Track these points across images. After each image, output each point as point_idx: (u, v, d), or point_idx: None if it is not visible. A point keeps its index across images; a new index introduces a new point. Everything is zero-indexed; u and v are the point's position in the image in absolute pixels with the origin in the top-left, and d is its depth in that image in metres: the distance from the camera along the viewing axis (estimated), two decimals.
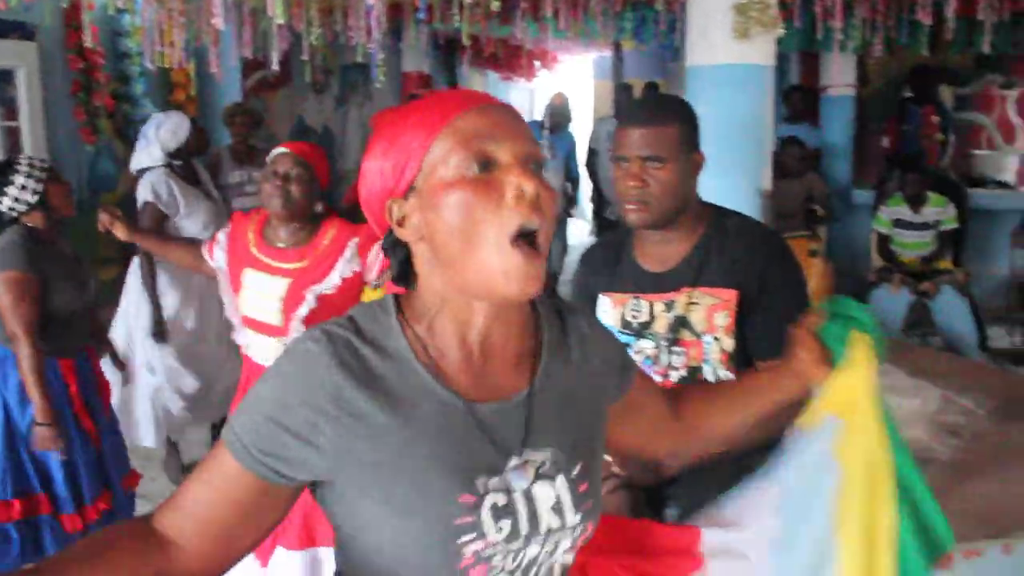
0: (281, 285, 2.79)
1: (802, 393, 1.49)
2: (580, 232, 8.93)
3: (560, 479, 1.16)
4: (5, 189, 3.11)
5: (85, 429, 3.30)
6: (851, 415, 1.45)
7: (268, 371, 1.13)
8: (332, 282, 2.78)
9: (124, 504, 3.47)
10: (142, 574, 1.06)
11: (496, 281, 1.07)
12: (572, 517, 1.16)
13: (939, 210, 5.82)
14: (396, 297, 1.18)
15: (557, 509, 1.15)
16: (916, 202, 5.82)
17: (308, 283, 2.77)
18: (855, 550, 1.41)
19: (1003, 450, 2.79)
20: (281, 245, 2.84)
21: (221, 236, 2.96)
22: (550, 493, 1.15)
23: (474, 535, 1.08)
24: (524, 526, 1.12)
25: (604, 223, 7.60)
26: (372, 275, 2.84)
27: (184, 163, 4.36)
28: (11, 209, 3.12)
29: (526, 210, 1.06)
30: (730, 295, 2.04)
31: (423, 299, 1.16)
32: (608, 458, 2.02)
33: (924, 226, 5.85)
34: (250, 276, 2.84)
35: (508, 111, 1.14)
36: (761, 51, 2.99)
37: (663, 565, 1.46)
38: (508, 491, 1.12)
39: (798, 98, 7.49)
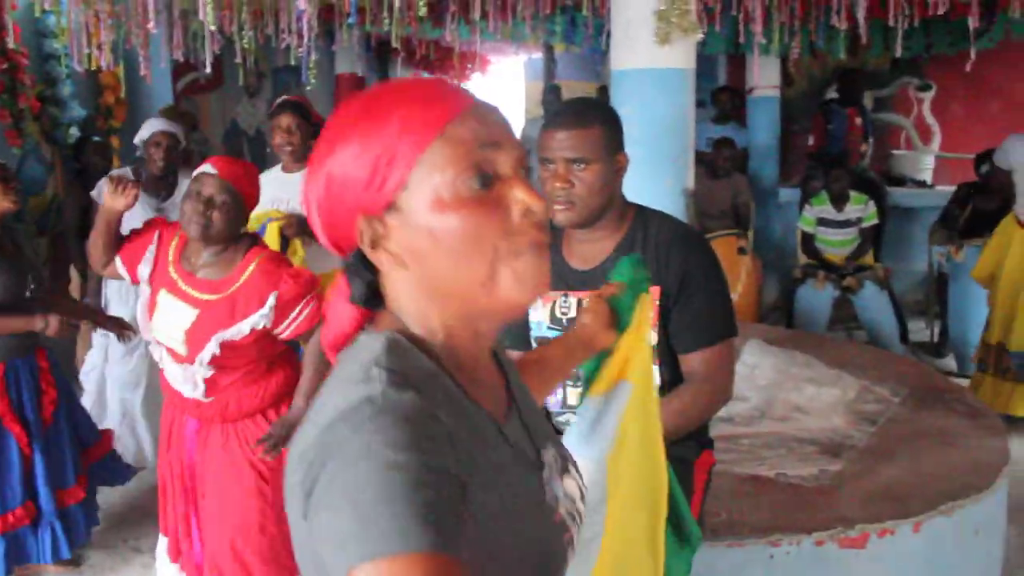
0: (188, 316, 2.62)
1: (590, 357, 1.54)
2: None
3: (572, 469, 1.12)
4: None
5: (12, 436, 3.25)
6: (637, 376, 1.49)
7: (369, 461, 0.80)
8: (240, 331, 2.60)
9: (55, 516, 3.39)
10: None
11: (513, 295, 0.94)
12: (583, 504, 1.12)
13: (860, 208, 6.02)
14: (402, 337, 0.97)
15: (582, 498, 1.11)
16: (839, 200, 6.02)
17: (215, 324, 2.59)
18: (621, 517, 1.40)
19: (915, 436, 2.93)
20: (198, 272, 2.67)
21: (150, 252, 2.76)
22: (574, 485, 1.10)
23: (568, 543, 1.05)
24: (576, 521, 1.08)
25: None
26: (287, 334, 2.67)
27: (148, 172, 4.24)
28: None
29: (535, 230, 0.95)
30: (654, 291, 2.12)
31: (425, 331, 0.98)
32: None
33: (847, 224, 6.04)
34: (163, 298, 2.69)
35: (496, 110, 1.00)
36: (682, 55, 3.09)
37: None
38: (557, 498, 1.05)
39: (726, 99, 7.69)
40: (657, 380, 2.14)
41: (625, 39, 3.10)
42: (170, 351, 2.69)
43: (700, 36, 3.06)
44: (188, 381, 2.68)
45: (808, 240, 6.16)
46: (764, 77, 7.50)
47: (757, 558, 2.24)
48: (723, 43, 6.57)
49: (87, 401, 4.25)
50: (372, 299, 1.02)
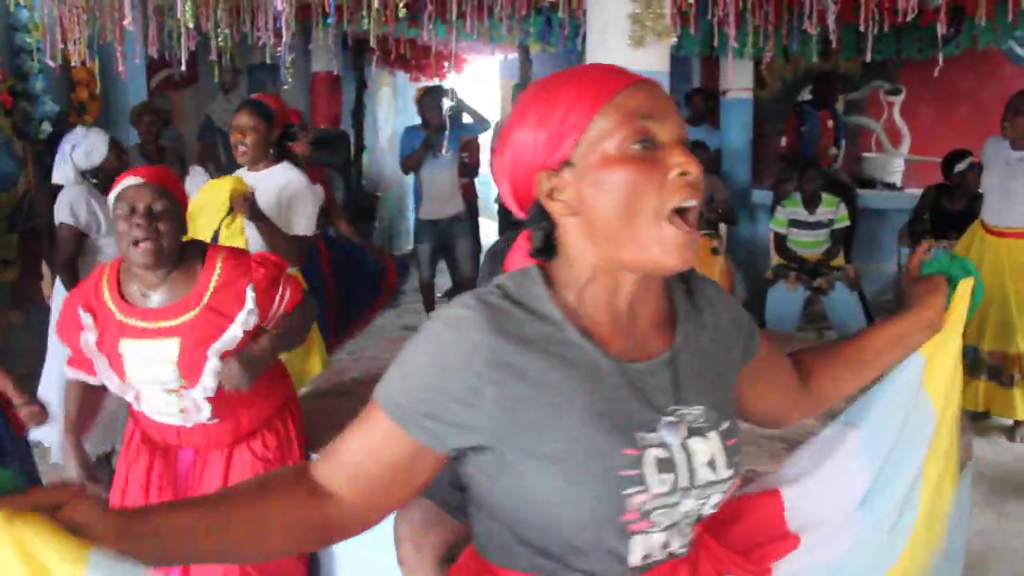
0: (170, 348, 2.34)
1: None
2: (488, 230, 9.02)
3: (713, 434, 1.20)
4: None
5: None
6: (931, 350, 1.45)
7: (421, 336, 1.15)
8: (234, 337, 2.39)
9: None
10: (301, 516, 1.13)
11: (654, 254, 1.10)
12: (724, 471, 1.20)
13: (832, 210, 6.10)
14: (540, 268, 1.19)
15: (711, 464, 1.18)
16: (812, 202, 6.09)
17: (203, 340, 2.36)
18: (932, 490, 1.40)
19: None
20: (153, 301, 2.38)
21: (85, 318, 2.39)
22: (705, 447, 1.18)
23: (639, 488, 1.12)
24: (684, 480, 1.15)
25: (511, 222, 7.67)
26: (279, 314, 2.53)
27: (106, 180, 4.21)
28: None
29: (688, 190, 1.10)
30: None
31: (573, 270, 1.17)
32: None
33: (818, 225, 6.12)
34: (129, 347, 2.36)
35: (661, 90, 1.17)
36: (657, 58, 3.14)
37: (761, 554, 1.44)
38: (665, 446, 1.15)
39: (699, 101, 7.75)
40: None
41: (601, 41, 3.14)
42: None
43: (674, 40, 3.11)
44: (189, 408, 2.42)
45: (781, 241, 6.23)
46: (737, 79, 7.58)
47: None
48: (697, 45, 6.64)
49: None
50: (547, 249, 1.20)
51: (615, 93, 1.11)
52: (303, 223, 3.62)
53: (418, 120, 6.80)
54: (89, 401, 2.56)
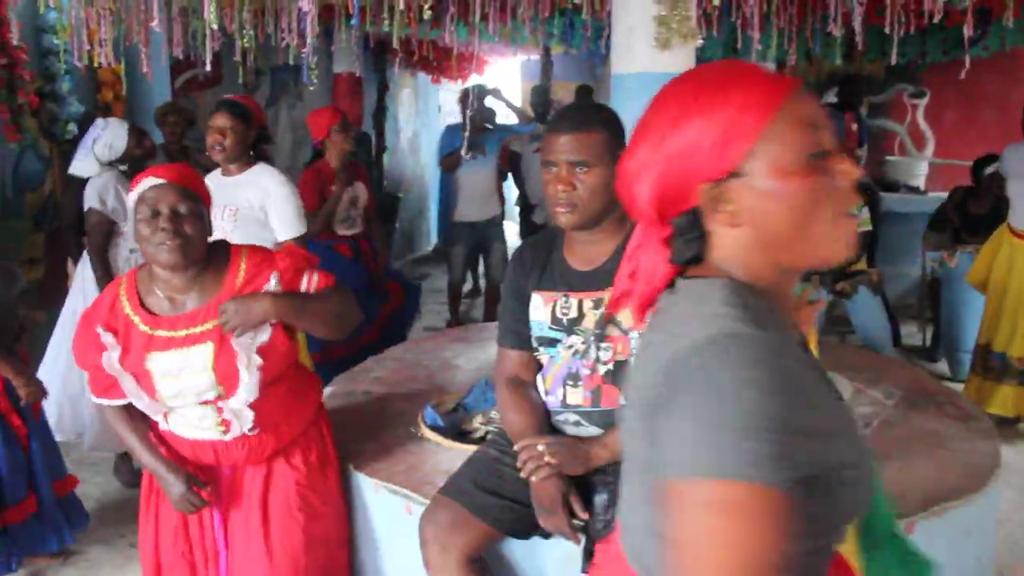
0: (203, 355, 2.20)
1: None
2: (509, 235, 9.02)
3: None
4: None
5: (13, 428, 3.29)
6: None
7: (731, 389, 0.95)
8: (267, 329, 2.26)
9: (52, 509, 3.44)
10: None
11: (827, 252, 1.09)
12: None
13: (855, 213, 6.04)
14: (732, 281, 1.11)
15: None
16: None
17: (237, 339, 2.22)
18: None
19: (908, 438, 2.96)
20: (181, 308, 2.24)
21: (105, 336, 2.23)
22: None
23: None
24: None
25: (531, 227, 7.64)
26: None
27: (132, 168, 4.30)
28: None
29: (855, 195, 1.10)
30: None
31: (754, 280, 1.12)
32: (540, 447, 2.13)
33: None
34: (157, 360, 2.21)
35: (811, 93, 1.14)
36: (681, 60, 3.13)
37: None
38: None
39: None
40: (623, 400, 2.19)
41: (626, 43, 3.14)
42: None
43: (700, 42, 3.10)
44: (230, 420, 2.28)
45: None
46: None
47: None
48: (720, 48, 6.61)
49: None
50: (694, 257, 1.15)
51: (784, 100, 1.07)
52: (297, 223, 3.65)
53: (439, 120, 6.79)
54: (134, 415, 2.37)
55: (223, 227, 3.52)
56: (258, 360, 2.22)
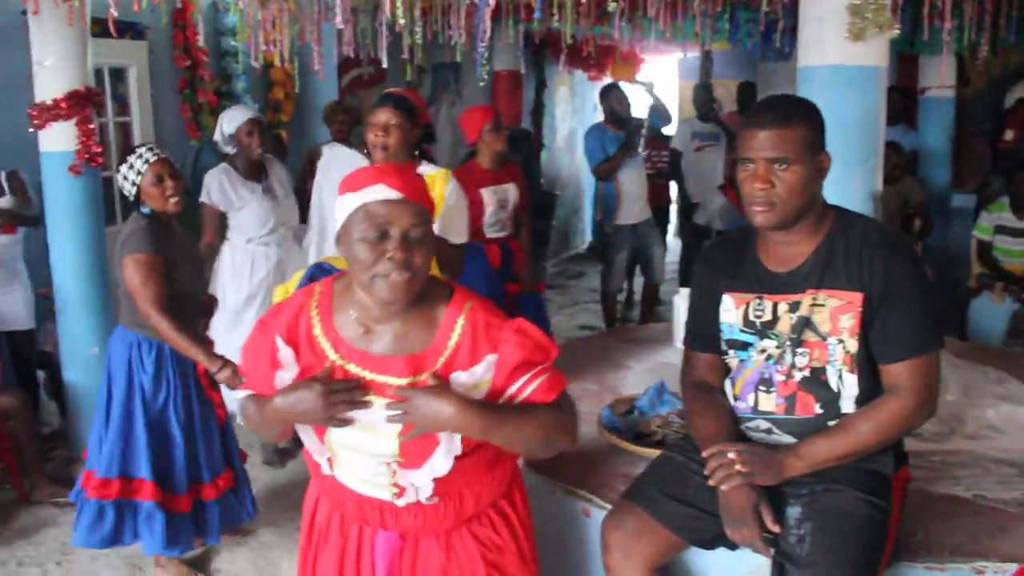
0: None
1: None
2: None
3: None
4: (119, 170, 3.31)
5: (213, 405, 3.43)
6: None
7: None
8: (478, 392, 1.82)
9: (243, 481, 3.59)
10: None
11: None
12: None
13: None
14: None
15: None
16: (1022, 207, 5.67)
17: None
18: None
19: None
20: (379, 346, 1.83)
21: (284, 351, 1.85)
22: None
23: None
24: None
25: (692, 227, 7.46)
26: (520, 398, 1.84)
27: (246, 159, 4.46)
28: (123, 190, 3.32)
29: None
30: (855, 298, 2.04)
31: None
32: (731, 455, 2.04)
33: None
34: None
35: None
36: (875, 52, 2.97)
37: None
38: None
39: (895, 99, 7.33)
40: (855, 390, 2.07)
41: (815, 35, 2.99)
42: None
43: (896, 32, 2.92)
44: (405, 487, 1.87)
45: (985, 249, 5.83)
46: (939, 77, 7.16)
47: None
48: (897, 41, 6.28)
49: None
50: None
51: None
52: (462, 231, 3.28)
53: (595, 118, 6.62)
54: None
55: None
56: (457, 440, 1.83)
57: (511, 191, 4.70)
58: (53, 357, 4.81)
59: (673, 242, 9.53)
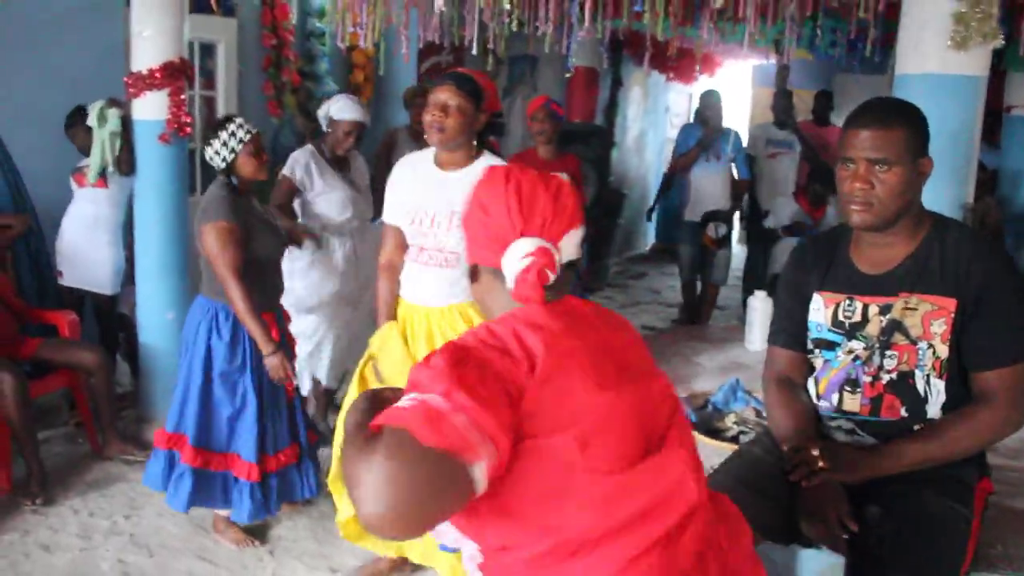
0: None
1: None
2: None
3: None
4: (211, 141, 3.38)
5: (284, 382, 3.50)
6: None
7: None
8: None
9: (308, 457, 3.65)
10: None
11: None
12: None
13: None
14: None
15: None
16: None
17: None
18: None
19: None
20: None
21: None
22: None
23: None
24: None
25: (761, 232, 7.44)
26: None
27: (333, 150, 4.48)
28: (211, 159, 3.39)
29: None
30: (949, 303, 2.04)
31: None
32: (814, 451, 2.05)
33: None
34: None
35: None
36: (976, 61, 2.94)
37: None
38: None
39: None
40: (943, 396, 2.06)
41: (914, 42, 2.97)
42: None
43: (1000, 42, 2.89)
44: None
45: None
46: None
47: None
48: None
49: None
50: None
51: None
52: None
53: (666, 121, 6.78)
54: None
55: (445, 240, 2.92)
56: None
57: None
58: (129, 320, 4.94)
59: (738, 249, 9.47)
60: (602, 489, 1.31)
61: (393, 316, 3.05)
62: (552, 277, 1.47)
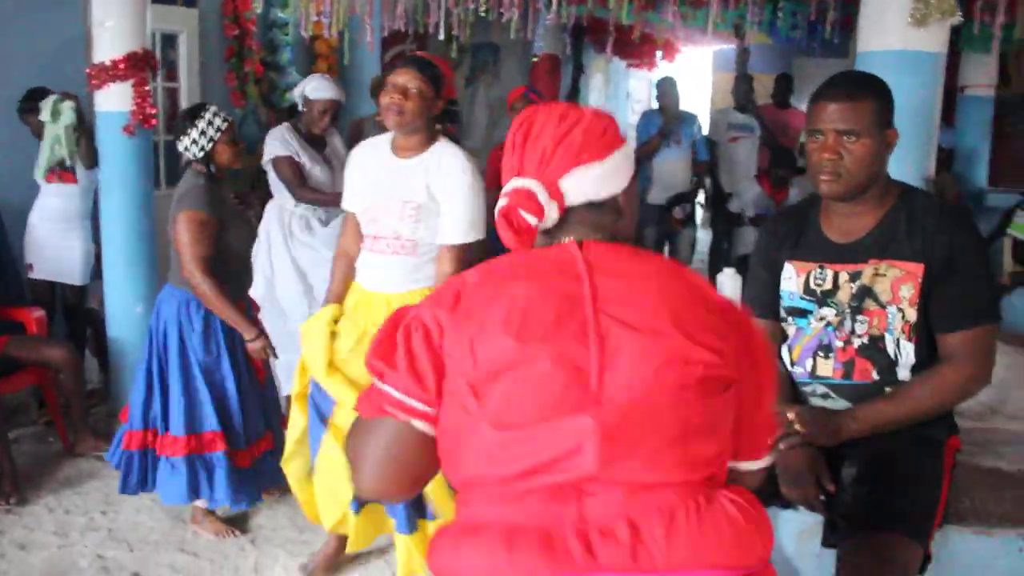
0: None
1: None
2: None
3: None
4: (188, 131, 3.34)
5: (256, 371, 3.50)
6: None
7: None
8: None
9: (282, 447, 3.64)
10: None
11: None
12: None
13: None
14: None
15: None
16: None
17: None
18: None
19: None
20: None
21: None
22: None
23: None
24: None
25: (726, 216, 7.55)
26: None
27: (309, 129, 4.48)
28: (186, 150, 3.35)
29: None
30: (917, 268, 2.10)
31: None
32: (790, 415, 2.10)
33: None
34: None
35: None
36: (934, 38, 3.00)
37: None
38: None
39: None
40: (912, 359, 2.12)
41: (876, 19, 3.03)
42: None
43: (959, 19, 2.96)
44: None
45: (1020, 247, 5.85)
46: (979, 76, 7.16)
47: (1006, 549, 2.18)
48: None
49: None
50: None
51: None
52: (470, 229, 2.91)
53: (627, 107, 6.86)
54: None
55: (400, 228, 2.90)
56: None
57: None
58: (98, 314, 4.90)
59: (702, 234, 9.55)
60: (489, 440, 1.26)
61: (338, 302, 3.04)
62: (534, 220, 1.35)
